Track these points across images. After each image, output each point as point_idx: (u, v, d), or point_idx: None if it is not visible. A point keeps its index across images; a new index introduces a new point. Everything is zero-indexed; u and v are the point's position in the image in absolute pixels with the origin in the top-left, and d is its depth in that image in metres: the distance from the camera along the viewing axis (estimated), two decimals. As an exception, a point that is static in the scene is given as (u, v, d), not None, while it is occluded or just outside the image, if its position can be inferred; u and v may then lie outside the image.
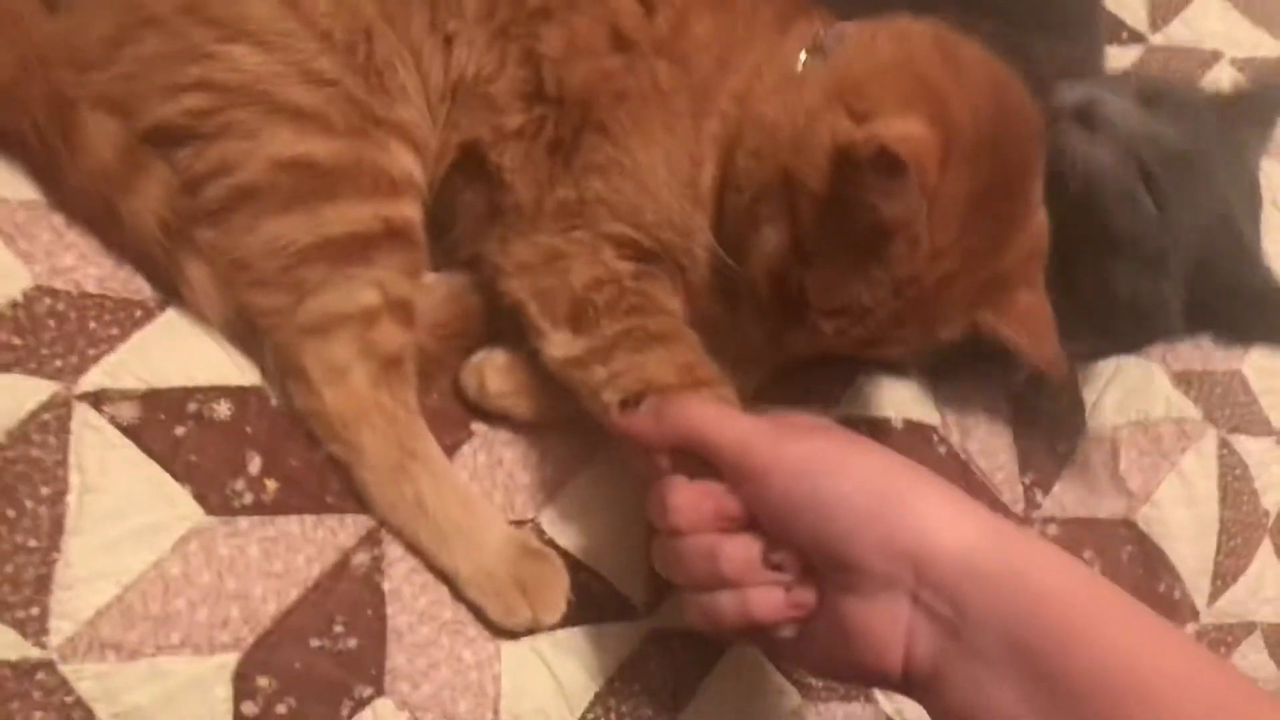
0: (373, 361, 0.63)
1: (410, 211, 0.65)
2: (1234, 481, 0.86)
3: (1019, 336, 0.62)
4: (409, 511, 0.64)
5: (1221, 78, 0.98)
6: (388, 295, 0.63)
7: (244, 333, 0.64)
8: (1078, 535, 0.82)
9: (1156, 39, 0.99)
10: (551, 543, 0.68)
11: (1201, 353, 0.88)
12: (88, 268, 0.63)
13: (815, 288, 0.61)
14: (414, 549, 0.65)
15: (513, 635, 0.66)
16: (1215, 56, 0.99)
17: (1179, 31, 1.00)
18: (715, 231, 0.65)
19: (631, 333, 0.64)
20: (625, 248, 0.66)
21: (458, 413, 0.70)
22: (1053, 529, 0.81)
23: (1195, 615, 0.84)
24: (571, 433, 0.70)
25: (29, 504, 0.57)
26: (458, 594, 0.65)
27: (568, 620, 0.67)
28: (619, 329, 0.64)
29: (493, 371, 0.70)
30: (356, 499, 0.64)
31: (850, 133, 0.57)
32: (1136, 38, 0.98)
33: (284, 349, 0.63)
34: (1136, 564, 0.83)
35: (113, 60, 0.61)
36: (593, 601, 0.68)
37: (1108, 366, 0.86)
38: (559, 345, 0.65)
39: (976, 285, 0.61)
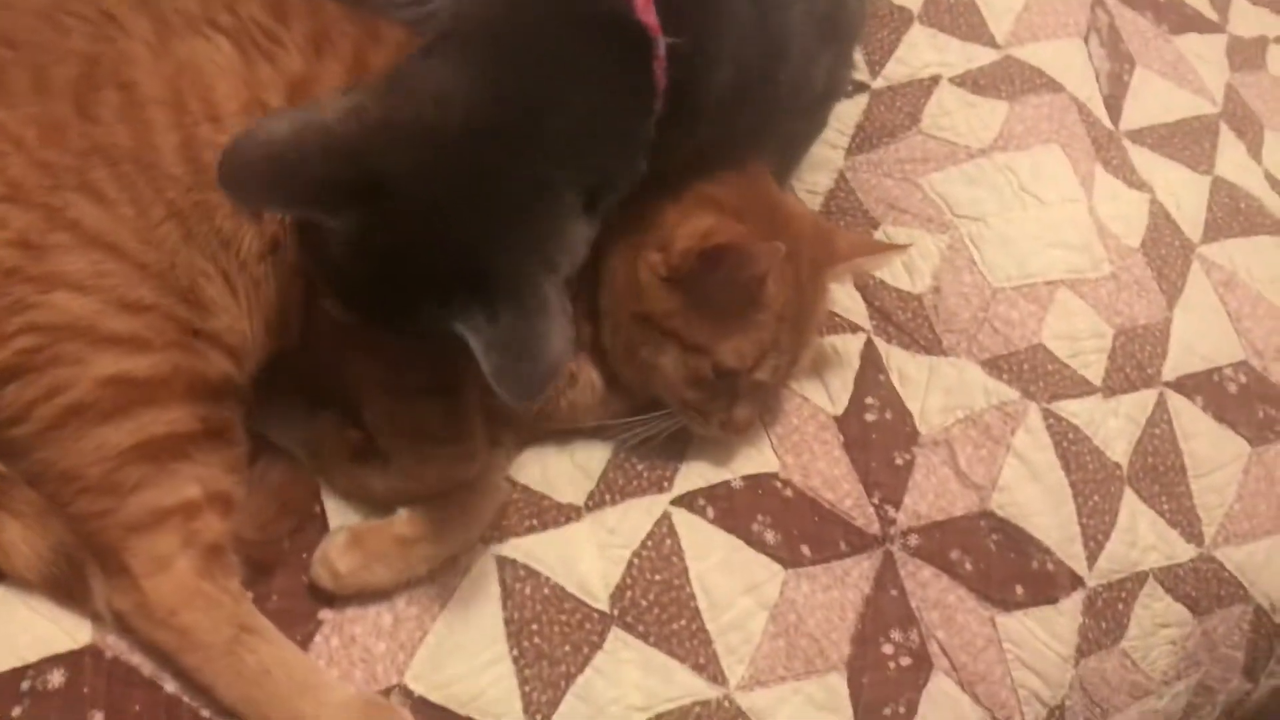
0: (195, 550, 0.66)
1: (228, 412, 0.70)
2: (1070, 445, 0.89)
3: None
4: (252, 679, 0.65)
5: (945, 98, 1.07)
6: (208, 489, 0.67)
7: (67, 580, 0.66)
8: (940, 539, 0.84)
9: (878, 83, 1.08)
10: (422, 699, 0.68)
11: (1001, 337, 0.92)
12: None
13: (732, 357, 0.75)
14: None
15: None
16: (935, 81, 1.09)
17: (896, 70, 1.09)
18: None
19: None
20: None
21: (302, 607, 0.71)
22: (914, 539, 0.83)
23: (1080, 582, 0.86)
24: (420, 586, 0.72)
25: None
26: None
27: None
28: None
29: (337, 554, 0.71)
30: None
31: (658, 264, 0.74)
32: (861, 87, 1.07)
33: (108, 551, 0.65)
34: (1006, 550, 0.85)
35: None
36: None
37: (921, 373, 0.90)
38: None
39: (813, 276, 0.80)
